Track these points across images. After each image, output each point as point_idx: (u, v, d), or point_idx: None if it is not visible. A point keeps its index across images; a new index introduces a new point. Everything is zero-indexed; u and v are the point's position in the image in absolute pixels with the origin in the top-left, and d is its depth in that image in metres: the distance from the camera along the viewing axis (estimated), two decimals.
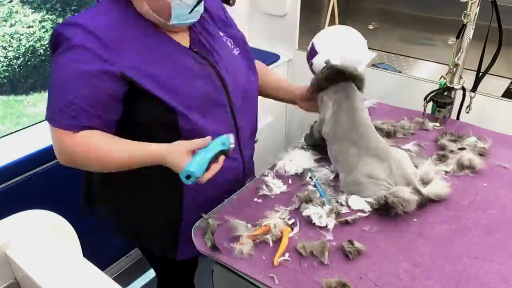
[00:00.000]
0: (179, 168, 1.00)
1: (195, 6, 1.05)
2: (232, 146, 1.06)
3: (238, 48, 1.24)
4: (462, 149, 1.36)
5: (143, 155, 1.04)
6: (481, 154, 1.34)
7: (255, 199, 1.16)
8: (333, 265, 0.97)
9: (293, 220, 1.08)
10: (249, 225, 1.05)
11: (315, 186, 1.19)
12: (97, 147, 1.05)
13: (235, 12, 2.16)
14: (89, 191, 1.36)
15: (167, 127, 1.08)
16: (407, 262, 0.97)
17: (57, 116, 1.03)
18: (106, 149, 1.05)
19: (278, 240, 1.02)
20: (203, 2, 1.08)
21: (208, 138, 1.04)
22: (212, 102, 1.13)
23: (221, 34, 1.22)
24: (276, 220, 1.05)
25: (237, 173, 1.23)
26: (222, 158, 1.04)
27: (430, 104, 1.56)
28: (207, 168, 1.00)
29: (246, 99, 1.23)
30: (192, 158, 1.00)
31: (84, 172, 1.32)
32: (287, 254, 0.99)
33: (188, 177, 0.97)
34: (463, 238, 1.04)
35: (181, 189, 1.16)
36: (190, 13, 1.06)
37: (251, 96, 1.27)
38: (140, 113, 1.08)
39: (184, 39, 1.14)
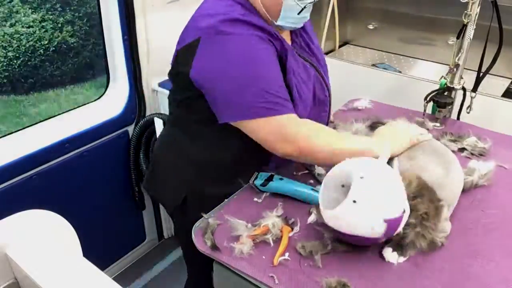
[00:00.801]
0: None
1: (302, 9, 1.07)
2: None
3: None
4: (462, 149, 1.36)
5: (371, 149, 1.08)
6: (481, 154, 1.34)
7: (255, 199, 1.16)
8: (333, 264, 0.97)
9: (293, 220, 1.08)
10: (249, 225, 1.05)
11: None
12: (333, 133, 1.14)
13: None
14: (152, 179, 1.34)
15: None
16: (407, 262, 0.97)
17: (273, 105, 1.02)
18: (338, 135, 1.14)
19: (278, 240, 1.02)
20: (310, 6, 1.09)
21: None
22: (319, 101, 1.20)
23: (315, 41, 1.27)
24: (274, 219, 1.05)
25: None
26: None
27: (430, 104, 1.56)
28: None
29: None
30: None
31: (153, 164, 1.33)
32: (287, 254, 0.99)
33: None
34: (463, 237, 1.04)
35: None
36: (298, 14, 1.07)
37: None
38: None
39: (287, 39, 1.17)
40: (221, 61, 1.02)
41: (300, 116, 1.10)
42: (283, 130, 1.04)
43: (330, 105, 1.29)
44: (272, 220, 1.04)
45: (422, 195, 0.99)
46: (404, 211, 0.92)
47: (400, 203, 0.92)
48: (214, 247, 1.01)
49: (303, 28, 1.21)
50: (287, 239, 1.02)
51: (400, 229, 0.93)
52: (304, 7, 1.07)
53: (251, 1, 1.08)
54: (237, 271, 0.98)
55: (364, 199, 0.89)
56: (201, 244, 1.03)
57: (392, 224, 0.90)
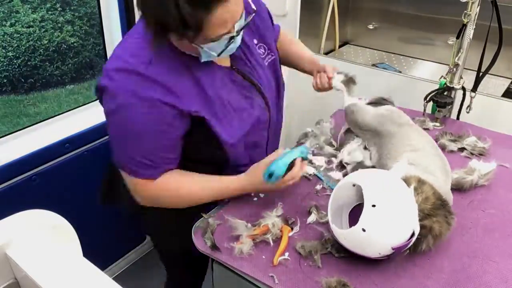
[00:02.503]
0: (262, 185, 1.08)
1: (224, 48, 0.99)
2: (310, 155, 1.14)
3: (272, 54, 1.25)
4: (462, 149, 1.36)
5: (228, 192, 1.12)
6: (481, 154, 1.34)
7: (255, 198, 1.16)
8: (333, 264, 0.97)
9: (293, 220, 1.08)
10: (249, 225, 1.05)
11: (318, 177, 1.19)
12: (182, 189, 1.11)
13: None
14: (110, 191, 1.38)
15: (214, 157, 1.14)
16: (406, 261, 0.97)
17: (135, 168, 1.07)
18: (190, 190, 1.12)
19: (278, 240, 1.02)
20: (238, 37, 1.00)
21: (280, 150, 1.12)
22: (259, 126, 1.18)
23: (255, 41, 1.21)
24: (274, 219, 1.05)
25: None
26: (303, 162, 1.11)
27: (430, 103, 1.56)
28: (287, 171, 1.06)
29: (279, 110, 1.30)
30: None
31: (107, 172, 1.38)
32: (287, 254, 0.99)
33: (270, 176, 1.05)
34: (463, 237, 1.04)
35: None
36: (218, 55, 1.00)
37: (281, 106, 1.32)
38: (192, 146, 1.11)
39: (224, 58, 1.11)
40: (115, 111, 1.03)
41: (229, 142, 1.10)
42: (134, 189, 1.13)
43: (269, 122, 1.23)
44: (272, 220, 1.05)
45: (437, 214, 0.97)
46: (413, 234, 0.91)
47: (410, 227, 0.91)
48: (214, 247, 1.01)
49: (243, 42, 1.14)
50: (287, 239, 1.02)
51: (407, 247, 0.93)
52: (230, 41, 0.97)
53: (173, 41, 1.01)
54: (237, 270, 0.98)
55: (373, 229, 0.90)
56: (201, 244, 1.03)
57: (399, 248, 0.91)
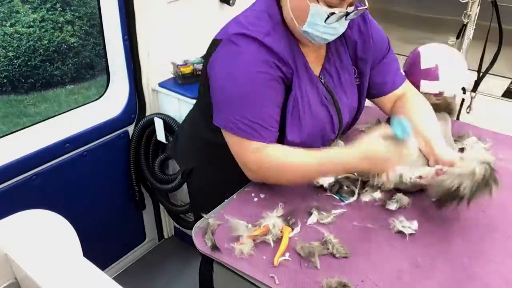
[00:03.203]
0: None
1: (329, 16, 1.03)
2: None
3: (359, 80, 1.26)
4: (462, 149, 1.36)
5: (337, 163, 1.09)
6: None
7: (255, 199, 1.16)
8: (334, 265, 0.97)
9: (293, 220, 1.08)
10: (249, 225, 1.05)
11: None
12: (290, 156, 1.10)
13: (235, 12, 2.16)
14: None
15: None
16: (407, 262, 0.97)
17: (250, 130, 1.07)
18: (296, 157, 1.09)
19: (278, 240, 1.02)
20: (345, 22, 1.07)
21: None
22: (323, 139, 1.21)
23: (350, 60, 1.23)
24: (274, 220, 1.05)
25: None
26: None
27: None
28: None
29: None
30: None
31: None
32: (287, 254, 0.99)
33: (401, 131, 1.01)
34: (463, 238, 1.04)
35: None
36: (325, 21, 1.04)
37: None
38: None
39: (318, 61, 1.18)
40: (225, 71, 1.09)
41: (292, 140, 1.14)
42: (245, 154, 1.11)
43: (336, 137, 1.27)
44: (272, 220, 1.04)
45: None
46: None
47: None
48: (215, 247, 1.01)
49: (338, 54, 1.20)
50: (287, 239, 1.01)
51: None
52: (331, 13, 1.03)
53: (283, 8, 1.10)
54: (237, 271, 0.98)
55: None
56: (202, 244, 1.03)
57: None
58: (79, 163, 1.79)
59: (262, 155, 1.09)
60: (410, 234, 1.04)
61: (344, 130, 1.31)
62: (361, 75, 1.25)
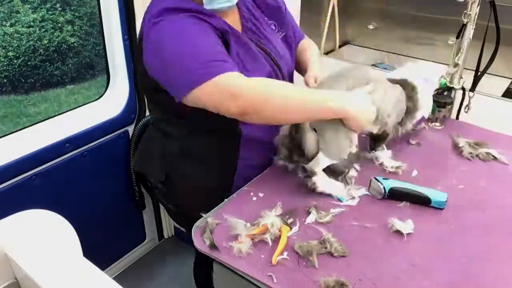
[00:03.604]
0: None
1: None
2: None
3: (282, 31, 1.30)
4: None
5: (315, 98, 1.08)
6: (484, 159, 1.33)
7: (254, 198, 1.17)
8: (332, 264, 0.97)
9: (292, 219, 1.08)
10: (248, 224, 1.05)
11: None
12: (272, 84, 1.09)
13: None
14: (142, 157, 1.46)
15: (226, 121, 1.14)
16: (405, 262, 0.98)
17: (210, 68, 1.03)
18: (279, 84, 1.10)
19: (277, 239, 1.02)
20: None
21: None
22: None
23: (265, 18, 1.26)
24: (273, 219, 1.05)
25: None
26: None
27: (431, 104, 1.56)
28: None
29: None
30: None
31: (143, 140, 1.46)
32: (285, 253, 0.99)
33: None
34: (462, 238, 1.04)
35: (235, 160, 1.24)
36: None
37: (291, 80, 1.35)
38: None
39: (236, 25, 1.18)
40: (157, 45, 1.08)
41: None
42: (226, 88, 1.03)
43: None
44: (271, 219, 1.05)
45: None
46: None
47: None
48: (213, 246, 1.01)
49: (250, 12, 1.23)
50: (285, 238, 1.02)
51: None
52: None
53: None
54: (236, 270, 0.98)
55: None
56: (200, 243, 1.04)
57: None
58: (79, 163, 1.79)
59: (250, 80, 1.05)
60: (408, 234, 1.04)
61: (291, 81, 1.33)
62: (282, 24, 1.30)
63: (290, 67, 1.30)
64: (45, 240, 0.75)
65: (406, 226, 1.05)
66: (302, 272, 0.95)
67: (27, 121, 1.63)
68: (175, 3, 1.09)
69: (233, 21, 1.20)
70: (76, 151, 1.77)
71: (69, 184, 1.79)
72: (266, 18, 1.27)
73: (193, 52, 1.04)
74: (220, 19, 1.14)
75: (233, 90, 1.03)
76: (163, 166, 1.33)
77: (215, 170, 1.28)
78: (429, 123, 1.52)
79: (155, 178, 1.37)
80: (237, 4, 1.19)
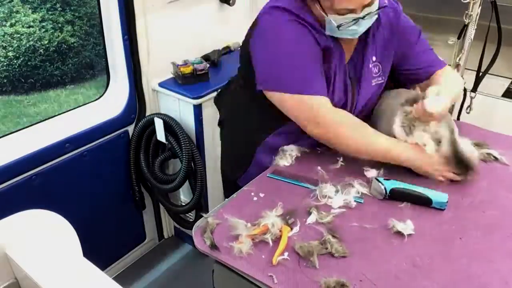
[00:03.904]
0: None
1: (343, 25, 1.11)
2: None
3: (383, 78, 1.30)
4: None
5: (395, 152, 1.17)
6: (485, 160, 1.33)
7: (255, 198, 1.17)
8: (332, 264, 0.97)
9: (292, 220, 1.08)
10: (249, 224, 1.05)
11: None
12: (357, 122, 1.17)
13: (235, 12, 2.17)
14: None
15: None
16: (406, 262, 0.97)
17: (305, 86, 1.12)
18: (364, 127, 1.17)
19: (277, 239, 1.02)
20: (364, 22, 1.13)
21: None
22: None
23: (374, 58, 1.27)
24: (273, 219, 1.05)
25: None
26: None
27: None
28: None
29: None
30: None
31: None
32: (286, 254, 0.99)
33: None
34: (463, 238, 1.04)
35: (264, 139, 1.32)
36: (339, 29, 1.12)
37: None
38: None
39: (348, 50, 1.23)
40: (268, 35, 1.16)
41: None
42: (314, 112, 1.14)
43: None
44: (271, 219, 1.05)
45: None
46: None
47: None
48: (213, 246, 1.01)
49: (374, 43, 1.24)
50: (286, 238, 1.02)
51: None
52: (340, 25, 1.11)
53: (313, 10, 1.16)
54: (236, 270, 0.98)
55: None
56: (200, 243, 1.03)
57: None
58: (79, 163, 1.79)
59: (326, 109, 1.14)
60: (409, 235, 1.04)
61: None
62: (384, 73, 1.30)
63: (368, 105, 1.31)
64: (45, 240, 0.75)
65: (407, 227, 1.04)
66: (303, 272, 0.95)
67: (27, 121, 1.62)
68: (297, 10, 1.14)
69: (347, 47, 1.23)
70: (76, 151, 1.77)
71: (69, 184, 1.79)
72: (374, 58, 1.27)
73: (299, 61, 1.13)
74: (322, 33, 1.16)
75: (319, 119, 1.14)
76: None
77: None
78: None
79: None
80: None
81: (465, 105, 1.57)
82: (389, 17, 1.26)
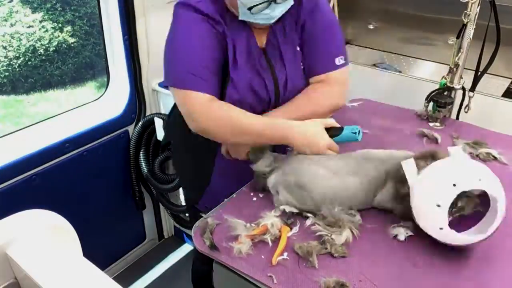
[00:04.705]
0: (314, 138, 1.12)
1: (255, 5, 1.08)
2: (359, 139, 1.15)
3: (302, 63, 1.26)
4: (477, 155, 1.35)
5: (275, 126, 1.14)
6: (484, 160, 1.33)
7: (254, 199, 1.17)
8: (332, 264, 0.97)
9: (292, 220, 1.08)
10: (248, 225, 1.05)
11: None
12: (234, 110, 1.14)
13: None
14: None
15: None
16: (406, 262, 0.97)
17: (187, 79, 1.12)
18: (239, 112, 1.14)
19: (277, 240, 1.02)
20: (277, 7, 1.10)
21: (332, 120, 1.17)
22: (264, 100, 1.23)
23: (296, 41, 1.23)
24: (273, 219, 1.05)
25: None
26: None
27: (431, 103, 1.56)
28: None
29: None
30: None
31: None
32: (285, 254, 0.99)
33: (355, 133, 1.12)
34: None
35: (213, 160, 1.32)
36: (250, 10, 1.09)
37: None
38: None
39: (262, 38, 1.21)
40: (168, 35, 1.18)
41: (231, 97, 1.18)
42: (186, 106, 1.15)
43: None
44: (271, 220, 1.04)
45: None
46: None
47: None
48: (213, 246, 1.01)
49: (283, 30, 1.21)
50: (285, 239, 1.02)
51: None
52: (251, 7, 1.08)
53: None
54: (236, 270, 0.98)
55: None
56: (200, 243, 1.03)
57: None
58: (79, 163, 1.79)
59: (211, 107, 1.13)
60: (410, 236, 1.04)
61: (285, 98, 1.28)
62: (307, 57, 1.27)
63: (294, 88, 1.25)
64: (45, 240, 0.75)
65: (407, 230, 1.04)
66: (302, 272, 0.95)
67: (27, 121, 1.62)
68: (198, 3, 1.14)
69: (262, 30, 1.20)
70: (76, 151, 1.77)
71: (69, 184, 1.79)
72: (297, 40, 1.23)
73: (188, 58, 1.14)
74: (222, 23, 1.16)
75: (196, 112, 1.14)
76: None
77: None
78: (429, 123, 1.52)
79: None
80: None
81: (464, 104, 1.57)
82: (310, 2, 1.21)
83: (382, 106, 1.66)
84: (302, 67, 1.26)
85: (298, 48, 1.24)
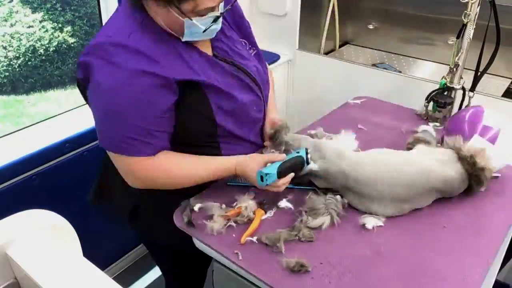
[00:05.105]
0: (253, 174, 1.08)
1: (209, 26, 1.04)
2: (309, 158, 1.12)
3: (253, 49, 1.28)
4: None
5: (223, 170, 1.13)
6: None
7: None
8: (297, 248, 1.00)
9: (267, 204, 1.12)
10: (224, 206, 1.10)
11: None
12: (179, 169, 1.11)
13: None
14: (102, 190, 1.41)
15: (206, 136, 1.15)
16: (370, 250, 1.00)
17: (125, 145, 1.03)
18: (188, 170, 1.12)
19: (250, 222, 1.06)
20: (220, 19, 1.07)
21: (283, 155, 1.13)
22: (253, 109, 1.20)
23: (237, 38, 1.24)
24: (248, 202, 1.09)
25: None
26: (290, 175, 1.10)
27: (431, 103, 1.56)
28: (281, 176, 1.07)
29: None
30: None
31: (101, 170, 1.39)
32: (255, 237, 1.02)
33: (262, 179, 1.05)
34: (432, 232, 1.05)
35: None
36: (204, 32, 1.04)
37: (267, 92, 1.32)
38: (181, 124, 1.11)
39: (207, 48, 1.15)
40: (97, 89, 1.03)
41: (220, 123, 1.12)
42: (124, 168, 1.10)
43: (264, 103, 1.28)
44: (246, 203, 1.09)
45: None
46: None
47: None
48: (190, 223, 1.06)
49: (222, 33, 1.18)
50: (258, 220, 1.06)
51: None
52: (208, 27, 1.03)
53: (154, 19, 1.03)
54: (206, 246, 1.03)
55: None
56: (179, 220, 1.08)
57: None
58: (79, 163, 1.79)
59: (152, 165, 1.07)
60: (378, 226, 1.06)
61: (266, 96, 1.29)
62: (253, 44, 1.28)
63: (262, 76, 1.27)
64: (45, 240, 0.75)
65: (378, 220, 1.06)
66: (268, 253, 0.98)
67: (27, 121, 1.62)
68: (129, 40, 1.00)
69: (203, 41, 1.15)
70: (76, 151, 1.77)
71: (69, 184, 1.79)
72: (238, 37, 1.24)
73: (123, 122, 1.02)
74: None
75: (136, 172, 1.08)
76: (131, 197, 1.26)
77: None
78: (429, 123, 1.52)
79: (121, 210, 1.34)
80: None
81: (464, 104, 1.58)
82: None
83: (385, 104, 1.67)
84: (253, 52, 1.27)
85: (243, 42, 1.25)
